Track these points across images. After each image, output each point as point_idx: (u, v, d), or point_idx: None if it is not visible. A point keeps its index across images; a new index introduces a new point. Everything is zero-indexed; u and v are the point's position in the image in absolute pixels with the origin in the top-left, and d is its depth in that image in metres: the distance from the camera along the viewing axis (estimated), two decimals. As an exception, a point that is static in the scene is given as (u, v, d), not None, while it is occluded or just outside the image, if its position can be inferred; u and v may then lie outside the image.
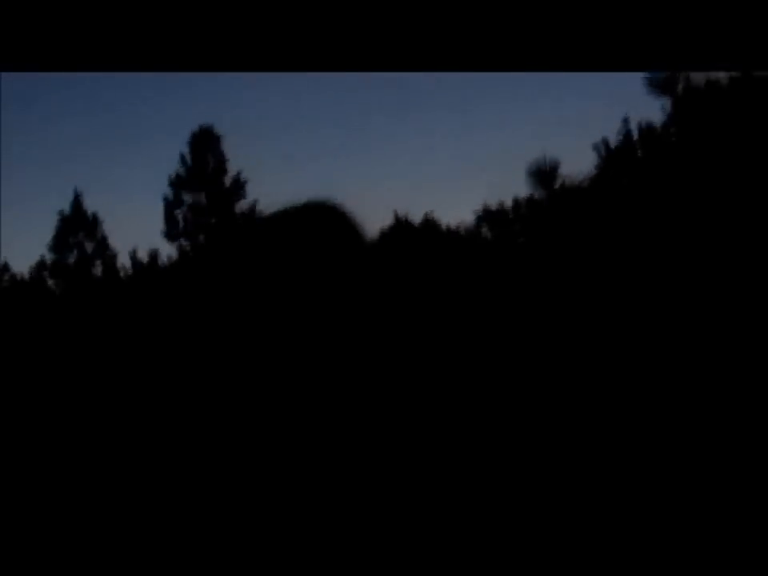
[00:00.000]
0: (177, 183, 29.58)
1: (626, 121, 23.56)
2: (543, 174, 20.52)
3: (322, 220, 1.76)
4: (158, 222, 30.05)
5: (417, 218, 26.25)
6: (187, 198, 29.56)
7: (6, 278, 31.80)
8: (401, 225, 25.52)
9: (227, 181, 29.65)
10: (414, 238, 24.18)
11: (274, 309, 1.69)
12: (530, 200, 24.21)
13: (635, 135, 23.55)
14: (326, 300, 1.68)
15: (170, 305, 22.55)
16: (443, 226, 26.58)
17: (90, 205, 32.09)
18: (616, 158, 22.89)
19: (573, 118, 48.56)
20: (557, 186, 21.82)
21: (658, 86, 20.47)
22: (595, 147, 24.02)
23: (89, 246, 31.40)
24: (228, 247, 1.81)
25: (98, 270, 31.13)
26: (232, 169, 29.82)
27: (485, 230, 26.90)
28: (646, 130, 23.14)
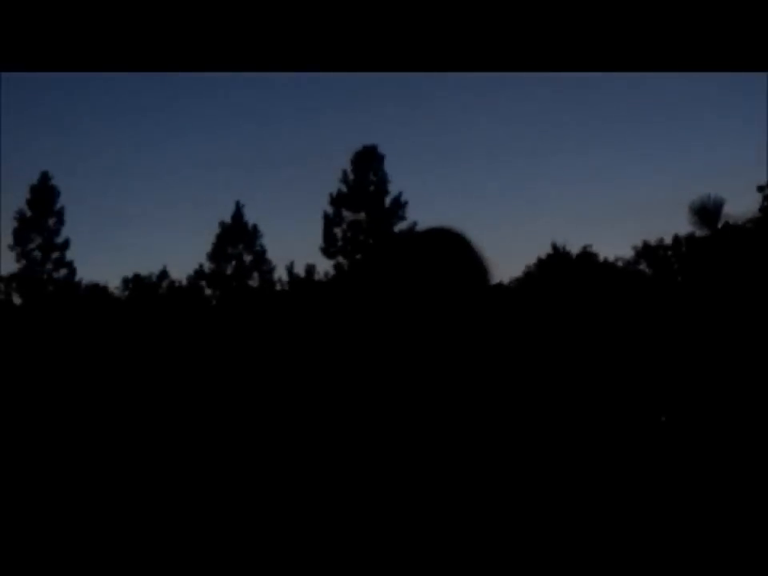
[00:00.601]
0: (338, 200, 29.91)
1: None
2: (707, 212, 20.01)
3: (440, 244, 1.87)
4: (316, 238, 30.45)
5: (575, 249, 25.94)
6: (347, 215, 29.86)
7: (165, 284, 32.61)
8: (558, 254, 25.27)
9: (387, 201, 29.85)
10: (570, 267, 23.98)
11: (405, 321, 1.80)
12: (690, 237, 23.71)
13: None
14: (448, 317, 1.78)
15: (324, 317, 22.80)
16: (600, 258, 26.23)
17: (250, 217, 32.80)
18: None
19: (738, 160, 47.44)
20: (720, 225, 21.28)
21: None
22: (760, 189, 23.38)
23: (247, 258, 32.03)
24: (369, 264, 1.95)
25: (254, 281, 31.73)
26: (393, 189, 29.99)
27: (643, 266, 26.50)
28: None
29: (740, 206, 29.23)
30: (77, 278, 32.57)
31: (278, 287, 30.38)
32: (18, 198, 32.72)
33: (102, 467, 12.31)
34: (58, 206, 33.21)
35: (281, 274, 35.07)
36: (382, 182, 29.71)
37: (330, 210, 30.04)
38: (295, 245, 60.48)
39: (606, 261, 26.26)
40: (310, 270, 29.66)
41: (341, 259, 29.57)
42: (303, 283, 28.49)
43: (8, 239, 32.95)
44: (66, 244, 33.09)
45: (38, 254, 32.83)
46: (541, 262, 25.40)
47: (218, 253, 32.21)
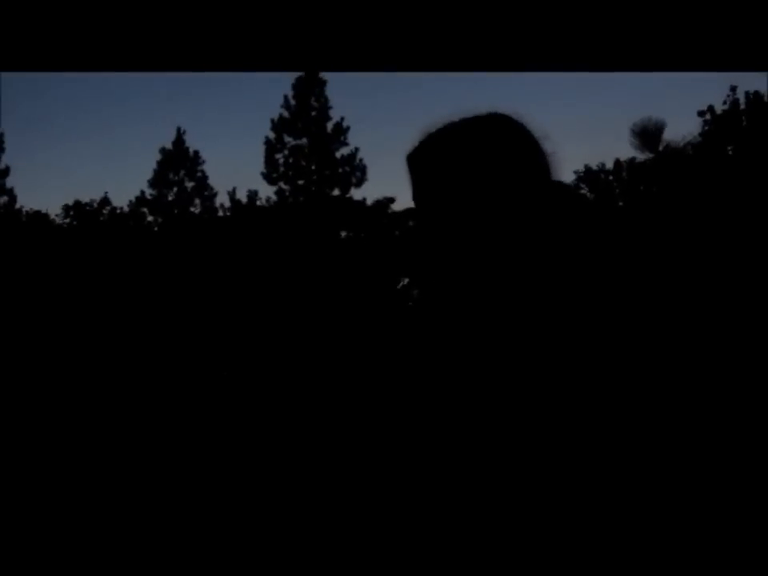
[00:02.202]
0: (279, 126, 29.75)
1: (733, 89, 23.14)
2: (649, 134, 20.15)
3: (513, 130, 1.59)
4: (258, 165, 30.35)
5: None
6: (289, 141, 29.73)
7: (106, 211, 32.37)
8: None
9: (329, 126, 29.75)
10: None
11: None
12: (631, 162, 23.92)
13: (742, 104, 23.14)
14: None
15: (269, 245, 22.89)
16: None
17: (192, 143, 32.58)
18: (722, 125, 22.54)
19: (678, 84, 47.77)
20: (661, 148, 21.49)
21: None
22: (701, 113, 23.67)
23: (189, 184, 31.86)
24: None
25: (196, 207, 31.61)
26: (335, 115, 29.90)
27: (584, 191, 26.69)
28: (754, 98, 22.73)
29: (679, 131, 29.53)
30: (17, 206, 32.24)
31: (221, 213, 30.32)
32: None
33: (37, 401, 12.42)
34: (-3, 132, 32.73)
35: (223, 200, 35.05)
36: (324, 107, 29.53)
37: (271, 135, 29.91)
38: (237, 171, 60.24)
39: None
40: (252, 196, 29.59)
41: (282, 185, 29.48)
42: (246, 209, 28.46)
43: (-57, 165, 32.49)
44: (6, 171, 32.63)
45: (-24, 181, 32.43)
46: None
47: (159, 179, 31.94)
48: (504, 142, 1.56)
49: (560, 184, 1.64)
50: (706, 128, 22.92)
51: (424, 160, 1.59)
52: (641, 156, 20.84)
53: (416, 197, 1.61)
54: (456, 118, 1.59)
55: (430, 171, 1.57)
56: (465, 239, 1.53)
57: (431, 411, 1.53)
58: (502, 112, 1.59)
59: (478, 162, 1.53)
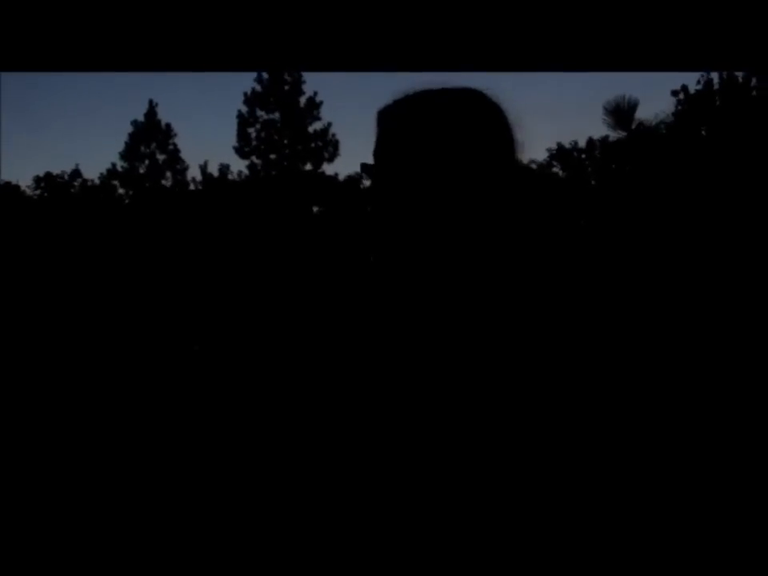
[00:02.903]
0: (252, 100, 29.61)
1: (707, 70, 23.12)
2: (622, 112, 20.13)
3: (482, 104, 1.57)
4: (230, 139, 30.23)
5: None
6: (261, 115, 29.60)
7: (77, 183, 32.19)
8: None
9: (302, 101, 29.64)
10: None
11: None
12: (604, 141, 23.97)
13: (716, 84, 23.16)
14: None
15: (241, 219, 22.80)
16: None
17: (164, 116, 32.40)
18: (695, 105, 22.56)
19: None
20: (633, 126, 21.49)
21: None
22: (674, 93, 23.66)
23: (160, 157, 31.69)
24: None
25: (168, 180, 31.46)
26: (308, 89, 29.78)
27: (556, 169, 26.80)
28: (728, 79, 22.75)
29: (650, 111, 29.58)
30: (-14, 177, 31.98)
31: (192, 187, 30.20)
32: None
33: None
34: (-34, 103, 32.49)
35: (194, 174, 34.85)
36: (297, 81, 29.43)
37: (244, 109, 29.77)
38: (209, 145, 59.91)
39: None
40: (224, 170, 29.48)
41: (255, 159, 29.36)
42: (217, 183, 28.34)
43: None
44: (-26, 142, 32.48)
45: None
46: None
47: (130, 152, 31.76)
48: (475, 116, 1.55)
49: (525, 167, 1.63)
50: (679, 108, 22.94)
51: (394, 118, 1.58)
52: (614, 134, 20.83)
53: (377, 153, 1.59)
54: (435, 87, 1.58)
55: (398, 130, 1.56)
56: (419, 206, 1.51)
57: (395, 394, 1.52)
58: (479, 88, 1.60)
59: (447, 130, 1.52)
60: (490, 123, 1.55)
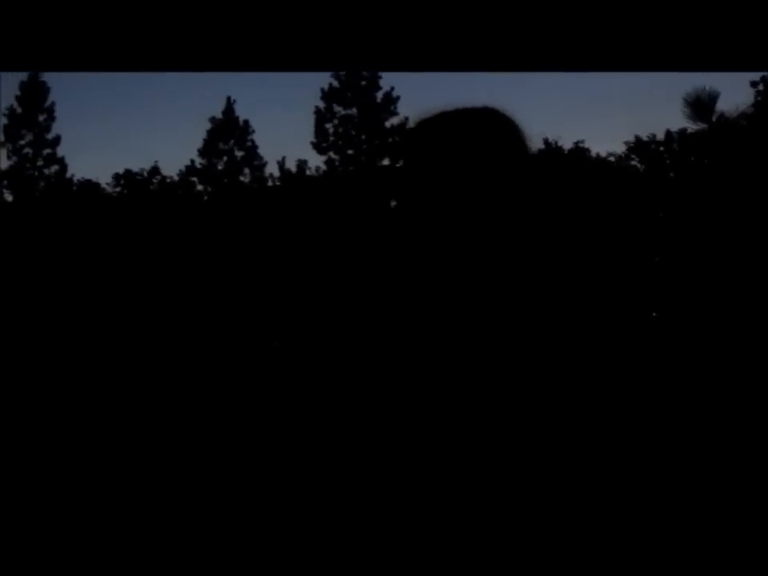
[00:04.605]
0: (329, 96, 29.68)
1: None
2: (702, 104, 19.79)
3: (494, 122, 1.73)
4: (307, 134, 30.30)
5: (567, 144, 25.82)
6: (338, 110, 29.67)
7: (156, 180, 32.52)
8: (550, 150, 25.20)
9: (379, 96, 29.63)
10: (562, 163, 23.92)
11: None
12: (682, 133, 23.62)
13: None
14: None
15: (318, 215, 22.85)
16: (593, 154, 26.13)
17: (242, 113, 32.59)
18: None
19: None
20: (714, 119, 21.13)
21: None
22: (753, 84, 23.25)
23: (238, 154, 31.88)
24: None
25: (246, 177, 31.64)
26: (384, 85, 29.76)
27: (635, 162, 26.40)
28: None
29: (730, 102, 29.07)
30: (68, 175, 32.47)
31: (270, 183, 30.31)
32: (7, 96, 32.41)
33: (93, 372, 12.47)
34: (49, 102, 32.93)
35: (272, 170, 35.00)
36: (374, 77, 29.44)
37: (321, 105, 29.85)
38: (286, 141, 60.21)
39: (598, 156, 26.19)
40: (302, 165, 29.55)
41: (332, 155, 29.44)
42: (295, 179, 28.43)
43: (-1, 136, 32.81)
44: (57, 140, 32.89)
45: (29, 150, 32.65)
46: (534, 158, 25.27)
47: (209, 149, 32.01)
48: (495, 132, 1.71)
49: (538, 169, 1.78)
50: (759, 99, 22.54)
51: (423, 139, 1.74)
52: (693, 126, 20.53)
53: (409, 171, 1.74)
54: (449, 108, 1.76)
55: (426, 151, 1.71)
56: (450, 220, 1.65)
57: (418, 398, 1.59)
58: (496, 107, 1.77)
59: (471, 148, 1.67)
60: (507, 137, 1.71)
